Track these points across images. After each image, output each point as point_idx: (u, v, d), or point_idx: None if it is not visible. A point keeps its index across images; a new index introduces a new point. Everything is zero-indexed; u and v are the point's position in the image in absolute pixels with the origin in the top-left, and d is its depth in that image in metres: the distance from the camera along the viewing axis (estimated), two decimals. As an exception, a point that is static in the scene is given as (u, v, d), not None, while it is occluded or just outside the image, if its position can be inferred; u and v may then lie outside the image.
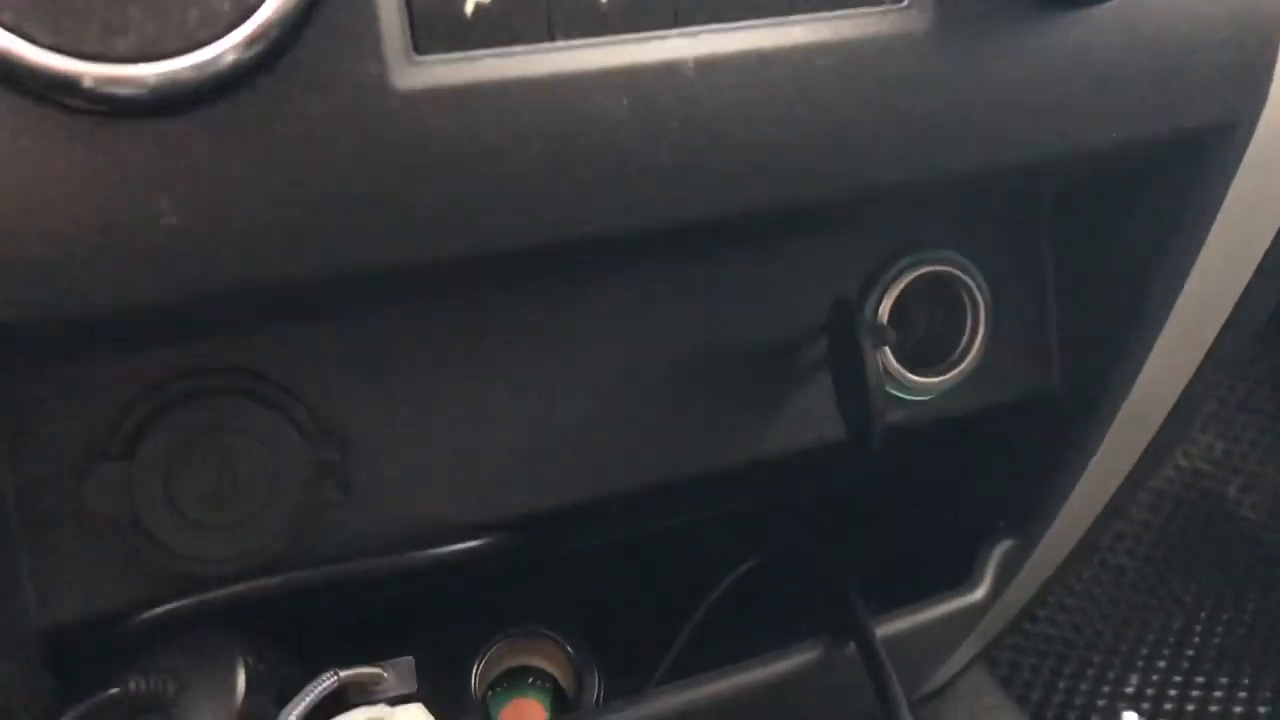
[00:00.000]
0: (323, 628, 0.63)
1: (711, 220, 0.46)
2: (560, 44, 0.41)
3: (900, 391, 0.65)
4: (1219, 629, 1.30)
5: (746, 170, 0.45)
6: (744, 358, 0.62)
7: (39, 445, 0.51)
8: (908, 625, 0.70)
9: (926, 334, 0.67)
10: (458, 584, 0.67)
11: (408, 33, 0.39)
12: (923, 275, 0.65)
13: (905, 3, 0.46)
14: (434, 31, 0.40)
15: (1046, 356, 0.69)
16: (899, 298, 0.64)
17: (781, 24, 0.44)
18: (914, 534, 0.80)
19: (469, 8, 0.40)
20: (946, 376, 0.66)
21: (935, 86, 0.47)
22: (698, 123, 0.43)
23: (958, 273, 0.65)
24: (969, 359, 0.66)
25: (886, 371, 0.65)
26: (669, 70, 0.43)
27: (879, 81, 0.46)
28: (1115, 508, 0.76)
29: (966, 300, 0.66)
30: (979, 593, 0.73)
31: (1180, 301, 0.65)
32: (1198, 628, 1.30)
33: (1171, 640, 1.29)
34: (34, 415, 0.51)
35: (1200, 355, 0.70)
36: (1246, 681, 1.25)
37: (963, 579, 0.72)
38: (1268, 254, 0.66)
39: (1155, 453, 0.72)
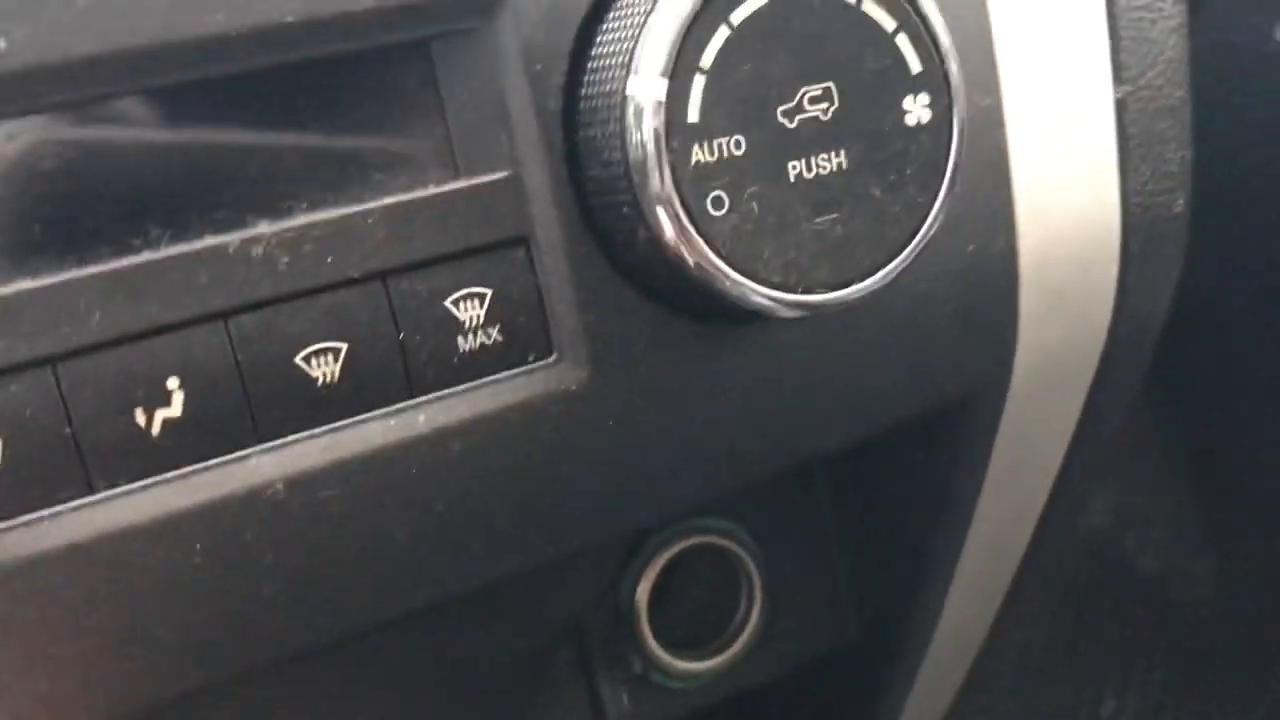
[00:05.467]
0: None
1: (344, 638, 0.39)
2: (101, 496, 0.34)
3: (669, 681, 0.58)
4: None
5: (375, 582, 0.38)
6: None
7: None
8: None
9: (693, 608, 0.60)
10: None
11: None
12: (686, 549, 0.58)
13: (553, 358, 0.39)
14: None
15: (838, 612, 0.63)
16: (660, 574, 0.58)
17: (399, 413, 0.37)
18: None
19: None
20: (721, 658, 0.59)
21: (604, 440, 0.41)
22: (303, 549, 0.36)
23: (725, 542, 0.59)
24: (747, 632, 0.60)
25: (649, 660, 0.57)
26: (251, 499, 0.35)
27: (535, 453, 0.39)
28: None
29: (738, 568, 0.59)
30: None
31: (969, 544, 0.60)
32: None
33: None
34: None
35: (1003, 588, 0.64)
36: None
37: None
38: (1057, 484, 0.60)
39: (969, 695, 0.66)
